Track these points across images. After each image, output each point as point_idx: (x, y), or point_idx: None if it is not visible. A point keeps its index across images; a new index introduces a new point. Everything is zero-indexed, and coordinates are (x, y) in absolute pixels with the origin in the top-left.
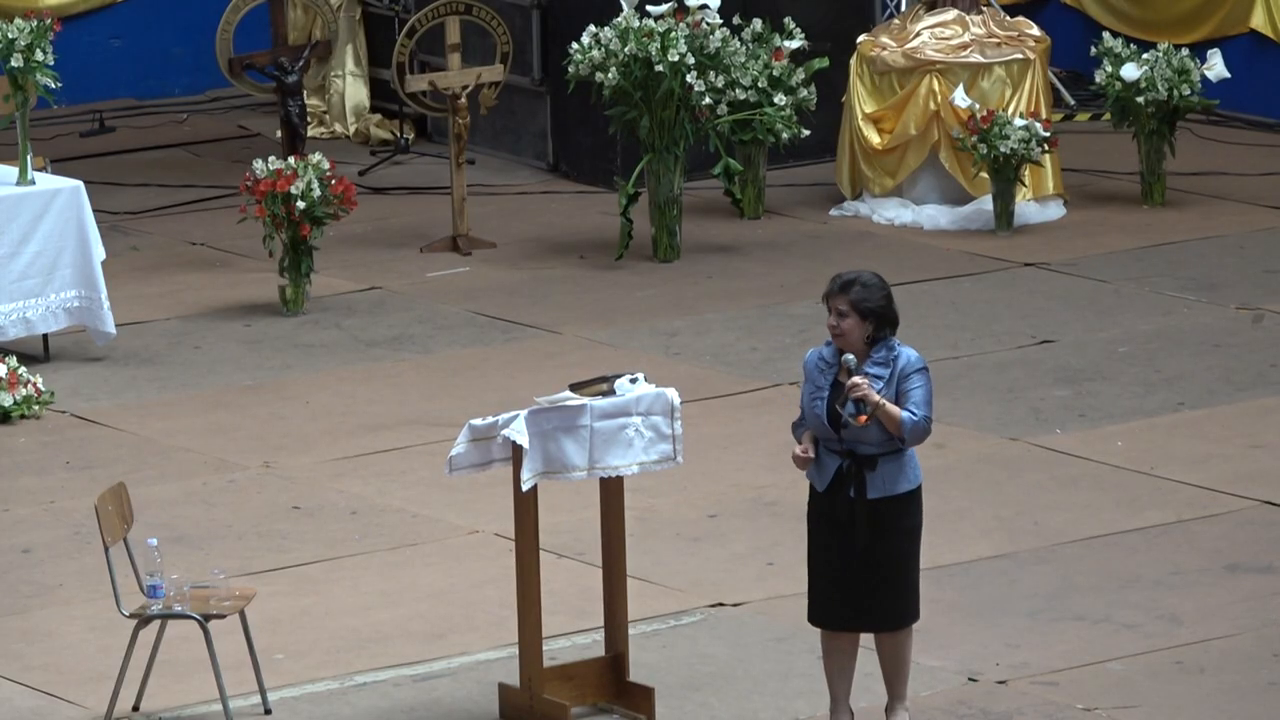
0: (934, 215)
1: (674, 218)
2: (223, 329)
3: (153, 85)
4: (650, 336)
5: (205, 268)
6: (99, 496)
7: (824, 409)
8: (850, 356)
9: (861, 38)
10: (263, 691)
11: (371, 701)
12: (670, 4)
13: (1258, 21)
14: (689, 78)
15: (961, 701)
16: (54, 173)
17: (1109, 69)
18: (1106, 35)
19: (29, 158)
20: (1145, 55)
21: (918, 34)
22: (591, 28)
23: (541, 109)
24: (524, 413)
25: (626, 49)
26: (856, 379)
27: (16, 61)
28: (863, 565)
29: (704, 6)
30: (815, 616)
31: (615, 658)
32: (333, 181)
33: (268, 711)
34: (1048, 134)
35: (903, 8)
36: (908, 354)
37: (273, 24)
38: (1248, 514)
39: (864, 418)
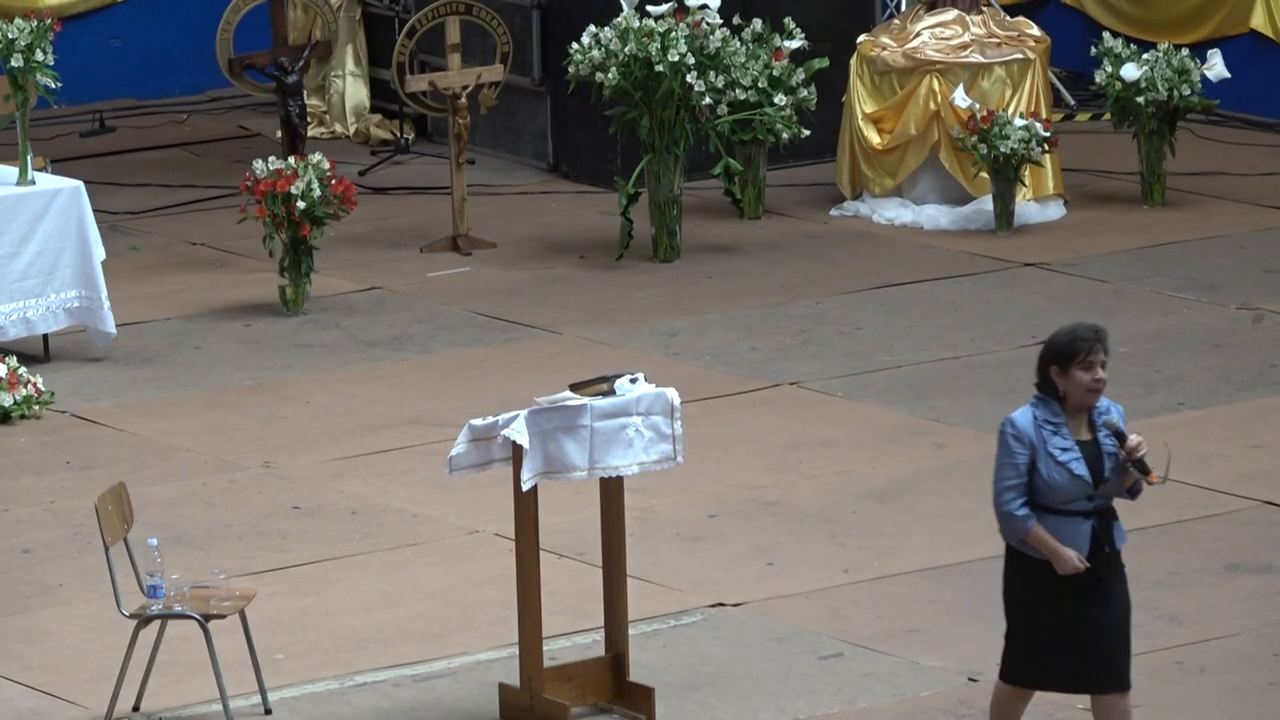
0: (934, 215)
1: (674, 218)
2: (223, 329)
3: (153, 85)
4: (650, 336)
5: (205, 268)
6: (99, 496)
7: (1085, 469)
8: (1112, 417)
9: (861, 38)
10: (263, 691)
11: (372, 701)
12: (670, 4)
13: (1258, 21)
14: (689, 78)
15: (962, 701)
16: (54, 173)
17: (1109, 69)
18: (1106, 35)
19: (29, 158)
20: (1145, 55)
21: (918, 34)
22: (591, 28)
23: (541, 109)
24: (524, 413)
25: (626, 49)
26: (1137, 437)
27: (17, 61)
28: (1113, 622)
29: (704, 6)
30: (1026, 676)
31: (615, 658)
32: (333, 181)
33: (268, 711)
34: (1048, 134)
35: (903, 8)
36: (1111, 403)
37: (273, 24)
38: (1248, 514)
39: (1155, 475)
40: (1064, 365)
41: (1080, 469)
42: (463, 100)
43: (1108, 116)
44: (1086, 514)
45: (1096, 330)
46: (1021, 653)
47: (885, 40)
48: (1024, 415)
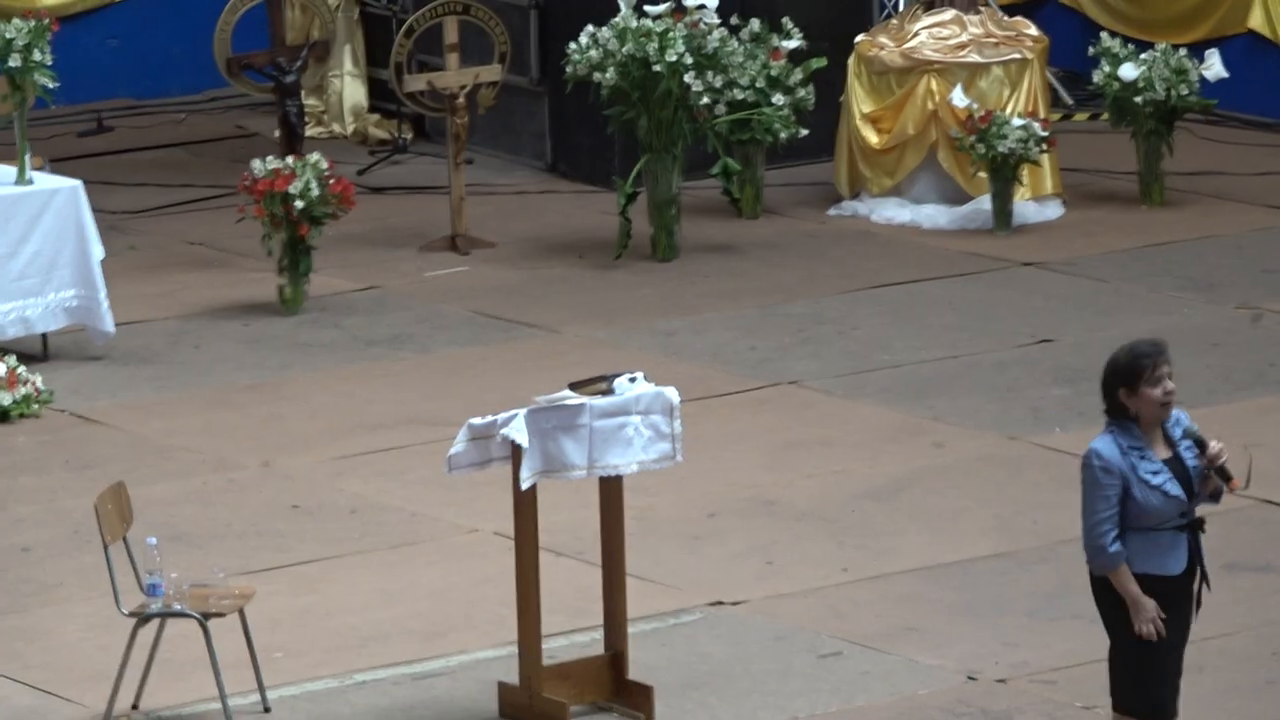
0: (932, 215)
1: (672, 217)
2: (222, 328)
3: (151, 85)
4: (649, 336)
5: (204, 267)
6: (98, 495)
7: (1179, 488)
8: (1192, 427)
9: (859, 38)
10: (262, 690)
11: (371, 700)
12: (668, 4)
13: (1256, 21)
14: (687, 78)
15: (961, 700)
16: (52, 172)
17: (1107, 69)
18: (1104, 35)
19: (27, 157)
20: (1143, 55)
21: (916, 34)
22: (589, 28)
23: (540, 109)
24: (523, 412)
25: (624, 49)
26: (1218, 444)
27: (15, 61)
28: (1183, 641)
29: (702, 6)
30: (1171, 707)
31: (614, 656)
32: (331, 181)
33: (267, 710)
34: (1046, 134)
35: (900, 8)
36: (1180, 412)
37: (271, 24)
38: (1247, 514)
39: (1237, 481)
40: (1132, 385)
41: (1174, 489)
42: (461, 100)
43: (1106, 116)
44: (1180, 528)
45: (1155, 344)
46: (1163, 686)
47: (883, 40)
48: (1107, 445)
